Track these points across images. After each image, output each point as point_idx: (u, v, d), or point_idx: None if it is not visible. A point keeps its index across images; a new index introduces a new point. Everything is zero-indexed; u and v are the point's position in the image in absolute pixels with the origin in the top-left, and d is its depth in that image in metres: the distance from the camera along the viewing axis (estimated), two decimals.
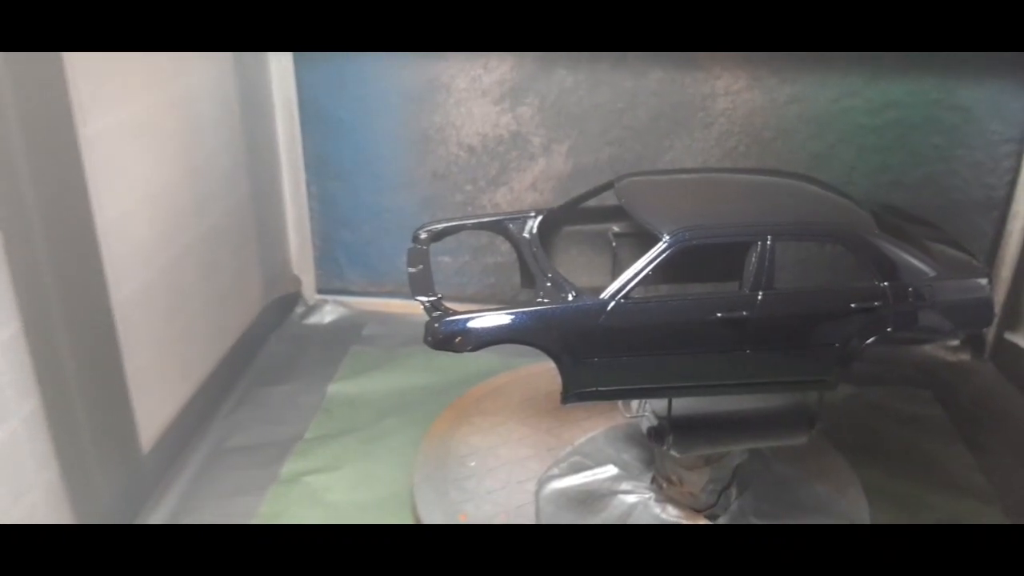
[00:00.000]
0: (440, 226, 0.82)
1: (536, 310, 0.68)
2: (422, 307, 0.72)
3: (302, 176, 1.23)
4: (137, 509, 0.85)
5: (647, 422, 0.74)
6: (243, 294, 1.13)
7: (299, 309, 1.27)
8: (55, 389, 0.72)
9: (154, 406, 0.89)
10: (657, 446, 0.74)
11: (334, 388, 1.07)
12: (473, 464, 0.88)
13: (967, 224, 1.10)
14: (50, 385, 0.71)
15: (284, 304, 1.25)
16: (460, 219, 0.85)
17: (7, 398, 0.67)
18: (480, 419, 0.96)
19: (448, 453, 0.90)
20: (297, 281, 1.28)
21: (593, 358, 0.67)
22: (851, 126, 1.09)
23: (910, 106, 1.07)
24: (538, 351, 0.68)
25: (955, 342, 1.14)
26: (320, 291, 1.30)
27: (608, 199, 0.80)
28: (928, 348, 1.14)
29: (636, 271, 0.67)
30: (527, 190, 1.19)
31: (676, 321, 0.67)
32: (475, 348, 0.68)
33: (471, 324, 0.67)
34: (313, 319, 1.26)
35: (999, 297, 1.12)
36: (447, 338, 0.68)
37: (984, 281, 0.72)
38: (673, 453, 0.73)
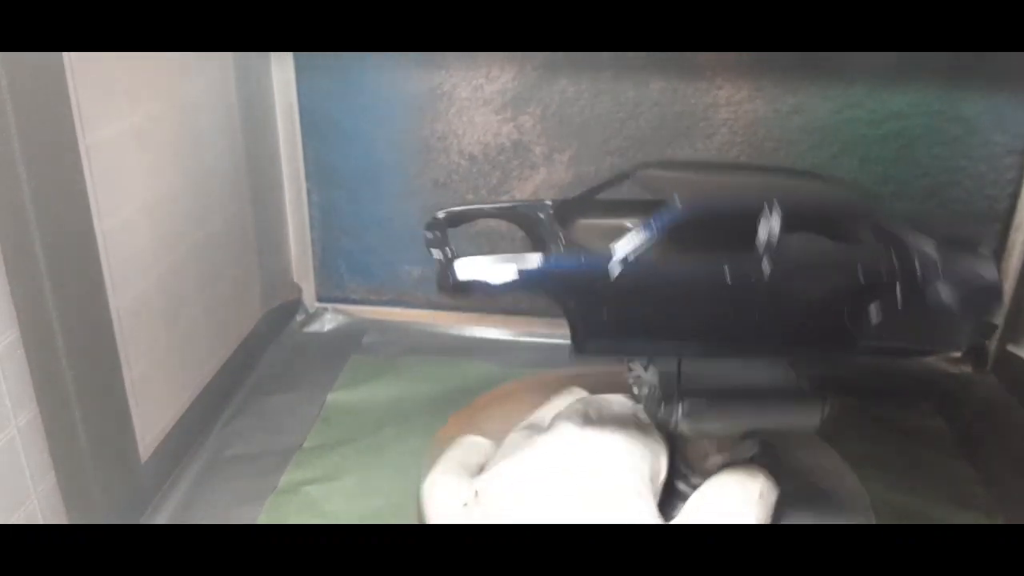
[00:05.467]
0: (458, 209, 0.81)
1: (551, 257, 0.68)
2: (437, 260, 0.70)
3: (303, 184, 1.23)
4: (135, 518, 0.84)
5: (651, 390, 0.74)
6: (243, 302, 1.13)
7: (299, 317, 1.27)
8: (53, 398, 0.71)
9: (153, 415, 0.89)
10: (665, 420, 0.72)
11: (333, 397, 1.06)
12: None
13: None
14: (48, 394, 0.71)
15: (284, 312, 1.24)
16: (476, 204, 0.84)
17: (4, 407, 0.67)
18: (486, 426, 0.95)
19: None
20: (297, 289, 1.28)
21: (603, 311, 0.66)
22: (853, 137, 1.08)
23: (912, 117, 1.07)
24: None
25: (957, 354, 1.13)
26: (320, 299, 1.30)
27: (620, 193, 0.81)
28: (930, 360, 1.13)
29: (647, 232, 0.67)
30: (529, 198, 1.19)
31: (686, 279, 0.67)
32: (491, 294, 0.66)
33: (485, 268, 0.66)
34: (313, 327, 1.26)
35: (1001, 309, 1.11)
36: (462, 283, 0.66)
37: (989, 260, 0.73)
38: (683, 427, 0.72)
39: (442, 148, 1.18)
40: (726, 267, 0.67)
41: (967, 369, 1.13)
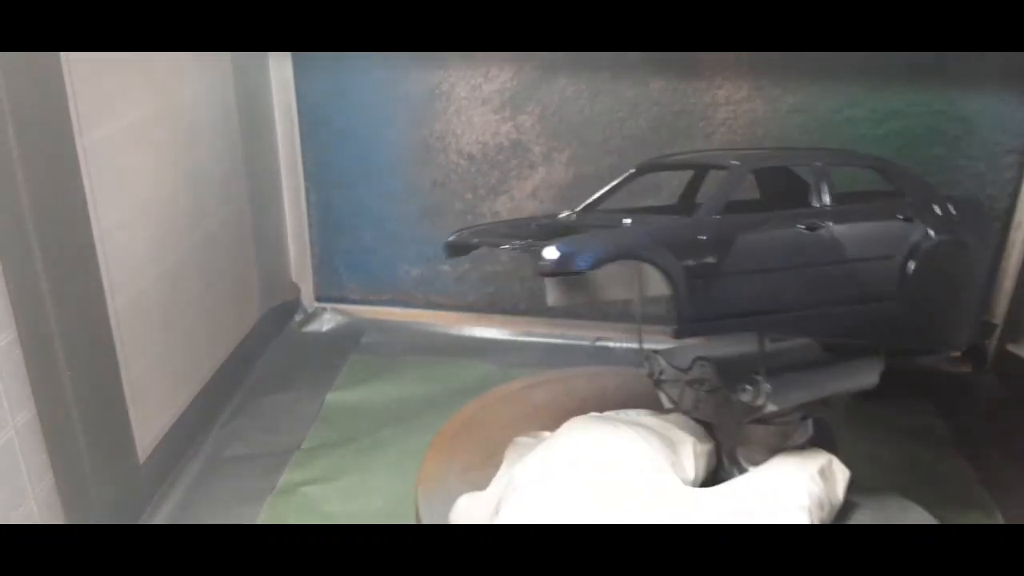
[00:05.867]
0: (470, 229, 0.79)
1: (646, 227, 0.67)
2: (512, 248, 0.68)
3: (301, 184, 1.23)
4: (134, 519, 0.84)
5: (709, 383, 0.74)
6: (241, 302, 1.13)
7: (298, 317, 1.27)
8: (51, 399, 0.71)
9: (151, 415, 0.88)
10: (751, 402, 0.71)
11: (332, 397, 1.06)
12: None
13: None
14: (46, 395, 0.71)
15: (283, 312, 1.24)
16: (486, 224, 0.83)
17: (2, 408, 0.67)
18: (483, 430, 0.95)
19: (451, 464, 0.89)
20: (296, 289, 1.28)
21: (701, 277, 0.65)
22: (853, 136, 1.08)
23: (912, 117, 1.07)
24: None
25: (956, 353, 1.13)
26: (319, 299, 1.29)
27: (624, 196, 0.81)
28: (930, 360, 1.13)
29: (721, 194, 0.68)
30: (527, 198, 1.19)
31: (769, 233, 0.68)
32: (593, 267, 0.63)
33: (583, 244, 0.63)
34: (312, 327, 1.26)
35: (1000, 309, 1.12)
36: (564, 261, 0.62)
37: (980, 204, 0.81)
38: (771, 406, 0.71)
39: (441, 148, 1.18)
40: (797, 220, 0.69)
41: (967, 369, 1.13)
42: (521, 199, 1.19)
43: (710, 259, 0.65)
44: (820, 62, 1.06)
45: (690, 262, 0.64)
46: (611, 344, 1.20)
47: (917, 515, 0.77)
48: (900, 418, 1.01)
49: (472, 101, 1.14)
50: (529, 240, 0.67)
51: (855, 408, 1.01)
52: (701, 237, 0.65)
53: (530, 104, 1.13)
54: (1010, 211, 1.09)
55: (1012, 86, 1.04)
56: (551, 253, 0.61)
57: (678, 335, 0.66)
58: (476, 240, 0.74)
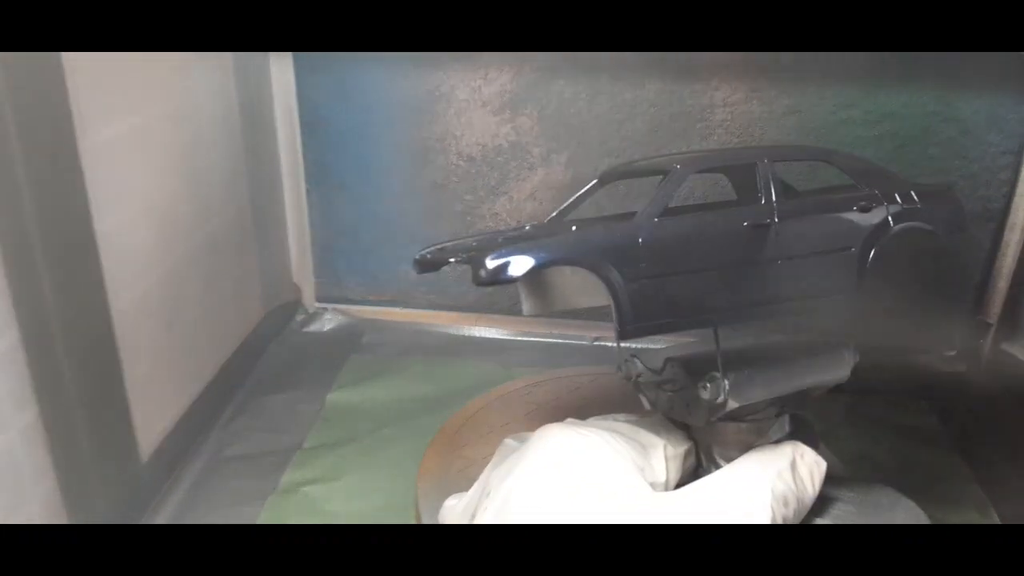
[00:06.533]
0: (439, 246, 0.81)
1: (581, 229, 0.68)
2: (457, 260, 0.69)
3: (302, 185, 1.23)
4: (135, 518, 0.85)
5: (677, 383, 0.74)
6: (243, 303, 1.14)
7: (299, 317, 1.27)
8: (54, 399, 0.72)
9: (153, 415, 0.89)
10: (711, 399, 0.71)
11: (333, 397, 1.07)
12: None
13: (964, 235, 1.10)
14: (48, 395, 0.71)
15: (284, 312, 1.25)
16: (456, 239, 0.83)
17: (4, 409, 0.67)
18: (483, 429, 0.96)
19: (451, 463, 0.90)
20: (297, 289, 1.29)
21: (640, 279, 0.66)
22: (849, 137, 1.09)
23: (907, 118, 1.07)
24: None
25: (951, 352, 1.14)
26: (320, 299, 1.30)
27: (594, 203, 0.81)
28: (925, 359, 1.14)
29: (661, 197, 0.68)
30: (526, 200, 1.19)
31: (709, 233, 0.69)
32: (525, 275, 0.64)
33: (518, 253, 0.65)
34: (313, 327, 1.26)
35: (995, 308, 1.12)
36: (497, 270, 0.64)
37: (951, 190, 0.81)
38: (732, 402, 0.71)
39: (440, 149, 1.18)
40: (741, 212, 0.69)
41: (962, 368, 1.14)
42: (520, 200, 1.19)
43: (648, 261, 0.66)
44: (816, 64, 1.06)
45: (626, 265, 0.65)
46: (610, 344, 1.21)
47: (907, 508, 0.77)
48: (895, 416, 1.02)
49: (472, 103, 1.15)
50: (473, 253, 0.67)
51: (850, 407, 1.02)
52: (638, 240, 0.66)
53: (529, 106, 1.14)
54: (1005, 212, 1.09)
55: (1007, 87, 1.04)
56: (489, 263, 0.63)
57: (621, 336, 0.67)
58: (431, 255, 0.75)
